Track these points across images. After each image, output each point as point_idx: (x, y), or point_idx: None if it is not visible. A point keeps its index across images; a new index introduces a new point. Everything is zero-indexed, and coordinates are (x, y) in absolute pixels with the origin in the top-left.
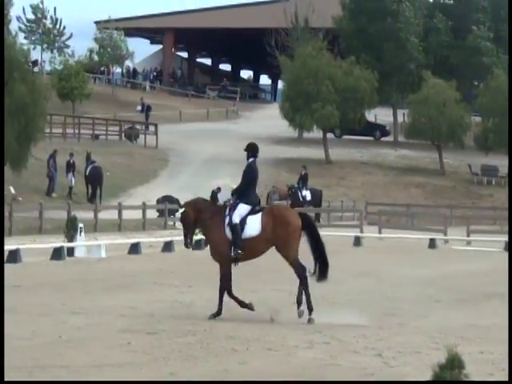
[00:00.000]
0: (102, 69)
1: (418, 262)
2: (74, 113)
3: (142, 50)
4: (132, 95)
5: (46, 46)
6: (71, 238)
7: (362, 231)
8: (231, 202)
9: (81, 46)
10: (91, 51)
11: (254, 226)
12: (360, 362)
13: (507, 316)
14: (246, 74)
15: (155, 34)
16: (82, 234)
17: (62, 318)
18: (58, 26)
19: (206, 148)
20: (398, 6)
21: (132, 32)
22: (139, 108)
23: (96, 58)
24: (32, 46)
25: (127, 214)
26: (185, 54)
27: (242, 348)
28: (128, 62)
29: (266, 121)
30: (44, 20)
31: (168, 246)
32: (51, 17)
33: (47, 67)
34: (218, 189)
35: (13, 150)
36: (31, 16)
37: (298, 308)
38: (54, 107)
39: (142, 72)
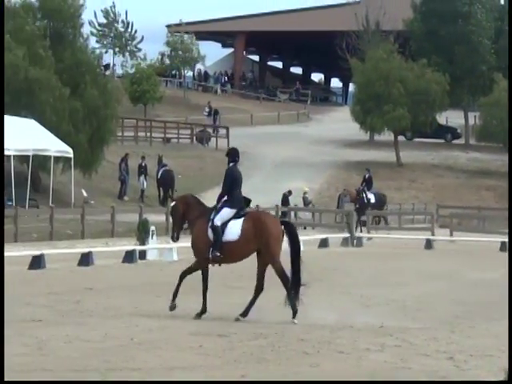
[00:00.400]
0: (174, 72)
1: (489, 265)
2: (145, 116)
3: (213, 54)
4: (203, 98)
5: (117, 49)
6: (143, 241)
7: (433, 234)
8: (217, 207)
9: (152, 49)
10: (163, 55)
11: (233, 231)
12: (431, 365)
13: None
14: (317, 76)
15: (226, 38)
16: (154, 236)
17: (134, 321)
18: (129, 30)
19: (277, 151)
20: (469, 8)
21: (203, 35)
22: (206, 112)
23: (167, 61)
24: (104, 50)
25: None
26: (256, 57)
27: (313, 351)
28: (199, 66)
29: (337, 124)
30: (115, 24)
31: None
32: (122, 21)
33: (119, 71)
34: (290, 192)
35: (85, 153)
36: (103, 20)
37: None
38: (125, 110)
39: (213, 75)
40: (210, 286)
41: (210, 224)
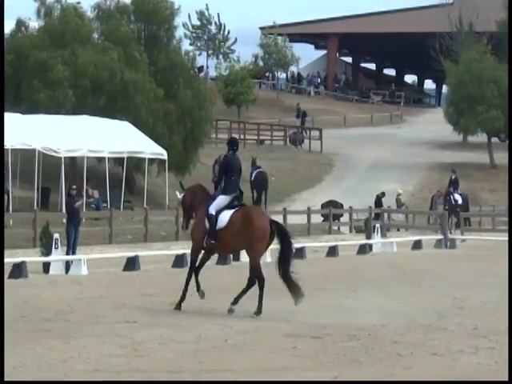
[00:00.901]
0: (267, 74)
1: None
2: (239, 118)
3: (306, 55)
4: (296, 100)
5: (211, 51)
6: None
7: None
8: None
9: (245, 51)
10: (256, 57)
11: (223, 219)
12: None
13: None
14: (410, 78)
15: (319, 39)
16: None
17: (228, 323)
18: (222, 32)
19: (370, 153)
20: None
21: (296, 37)
22: (295, 114)
23: (261, 63)
24: (197, 52)
25: (292, 219)
26: (349, 59)
27: (407, 353)
28: (292, 68)
29: (431, 125)
30: (209, 26)
31: (332, 251)
32: (215, 22)
33: (212, 73)
34: (383, 194)
35: (179, 155)
36: (196, 22)
37: (233, 305)
38: (219, 112)
39: (306, 77)
40: (303, 286)
41: (205, 212)
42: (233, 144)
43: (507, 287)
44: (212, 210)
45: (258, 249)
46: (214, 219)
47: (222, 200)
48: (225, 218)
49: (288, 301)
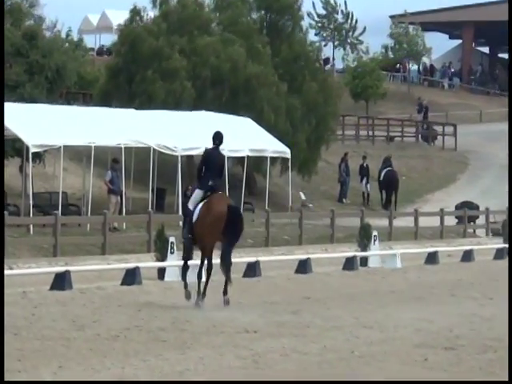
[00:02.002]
0: (398, 66)
1: None
2: (367, 113)
3: (439, 46)
4: (429, 94)
5: (337, 42)
6: (364, 247)
7: None
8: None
9: (374, 41)
10: (386, 47)
11: (196, 212)
12: None
13: None
14: None
15: (454, 28)
16: (376, 242)
17: (355, 333)
18: (349, 21)
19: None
20: None
21: (429, 26)
22: (417, 108)
23: (391, 54)
24: (323, 43)
25: (424, 222)
26: (486, 49)
27: None
28: (425, 59)
29: None
30: (335, 15)
31: (468, 256)
32: (342, 11)
33: (339, 65)
34: None
35: (303, 153)
36: (322, 11)
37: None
38: (346, 107)
39: (439, 69)
40: (436, 293)
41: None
42: (214, 138)
43: None
44: (190, 205)
45: (211, 236)
46: (189, 213)
47: (197, 194)
48: (196, 211)
49: (418, 308)
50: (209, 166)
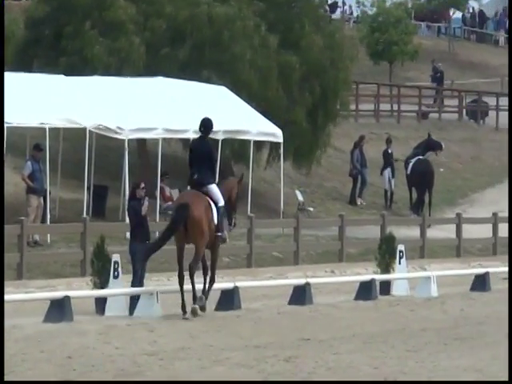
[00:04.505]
0: (434, 15)
1: None
2: (391, 80)
3: None
4: (478, 52)
5: None
6: (386, 268)
7: None
8: None
9: None
10: None
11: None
12: None
13: None
14: None
15: None
16: (403, 260)
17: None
18: None
19: None
20: None
21: None
22: (431, 73)
23: None
24: None
25: (470, 230)
26: None
27: None
28: (472, 3)
29: None
30: None
31: None
32: None
33: (353, 12)
34: None
35: (302, 136)
36: None
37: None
38: (362, 72)
39: (493, 17)
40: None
41: None
42: (200, 125)
43: None
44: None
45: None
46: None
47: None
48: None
49: (463, 353)
50: (192, 158)
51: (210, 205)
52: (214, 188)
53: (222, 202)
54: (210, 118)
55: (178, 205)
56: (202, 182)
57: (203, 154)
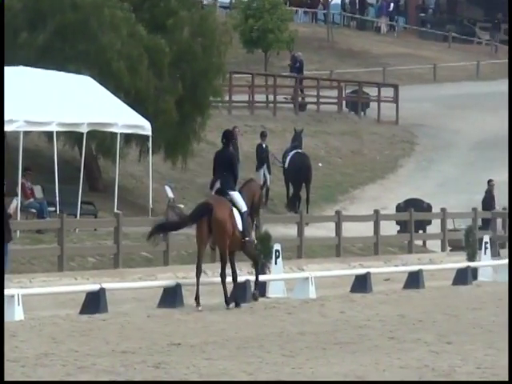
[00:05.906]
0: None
1: None
2: (266, 69)
3: None
4: (359, 40)
5: None
6: (262, 269)
7: None
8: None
9: None
10: None
11: None
12: None
13: None
14: None
15: None
16: (279, 260)
17: None
18: None
19: (476, 123)
20: None
21: None
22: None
23: None
24: None
25: (350, 229)
26: None
27: None
28: None
29: None
30: None
31: (414, 280)
32: None
33: None
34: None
35: (171, 128)
36: None
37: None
38: (236, 61)
39: (375, 3)
40: (368, 337)
41: None
42: (222, 137)
43: None
44: None
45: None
46: None
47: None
48: None
49: (343, 359)
50: (216, 167)
51: (233, 211)
52: (236, 195)
53: (245, 208)
54: (230, 129)
55: (201, 204)
56: (225, 189)
57: (225, 163)
